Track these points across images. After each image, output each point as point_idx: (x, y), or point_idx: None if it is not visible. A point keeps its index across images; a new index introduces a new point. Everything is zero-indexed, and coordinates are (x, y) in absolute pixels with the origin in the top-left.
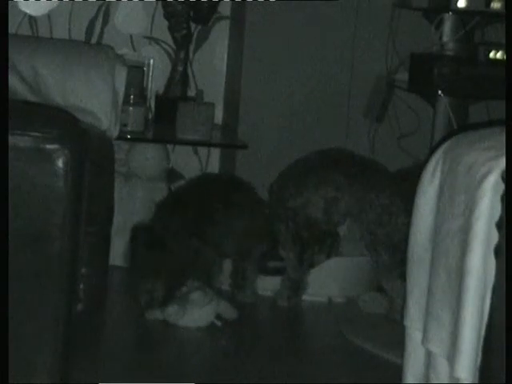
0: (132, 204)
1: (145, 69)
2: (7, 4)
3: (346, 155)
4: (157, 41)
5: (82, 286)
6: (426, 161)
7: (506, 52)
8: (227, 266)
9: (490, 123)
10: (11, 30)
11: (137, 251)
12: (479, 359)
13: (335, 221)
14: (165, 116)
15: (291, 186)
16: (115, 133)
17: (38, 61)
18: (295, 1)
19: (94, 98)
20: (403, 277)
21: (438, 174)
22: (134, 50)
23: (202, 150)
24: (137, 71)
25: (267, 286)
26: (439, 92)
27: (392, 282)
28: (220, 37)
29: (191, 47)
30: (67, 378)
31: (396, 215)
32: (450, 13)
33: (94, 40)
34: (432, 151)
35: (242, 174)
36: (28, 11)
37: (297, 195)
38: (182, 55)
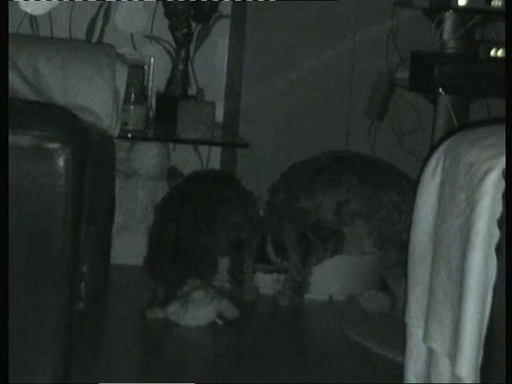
0: (133, 202)
1: (145, 67)
2: (7, 3)
3: (354, 155)
4: (157, 39)
5: (82, 285)
6: (427, 159)
7: (506, 50)
8: (225, 263)
9: (491, 121)
10: (12, 29)
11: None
12: (480, 357)
13: (345, 221)
14: (165, 115)
15: (301, 188)
16: (116, 131)
17: (38, 60)
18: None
19: (94, 96)
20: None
21: (439, 172)
22: (135, 48)
23: (203, 149)
24: (137, 70)
25: (268, 284)
26: (440, 90)
27: (398, 279)
28: (221, 35)
29: (192, 46)
30: (68, 377)
31: (406, 213)
32: (451, 11)
33: (94, 39)
34: (433, 149)
35: (242, 172)
36: (29, 10)
37: (308, 197)
38: (182, 54)
